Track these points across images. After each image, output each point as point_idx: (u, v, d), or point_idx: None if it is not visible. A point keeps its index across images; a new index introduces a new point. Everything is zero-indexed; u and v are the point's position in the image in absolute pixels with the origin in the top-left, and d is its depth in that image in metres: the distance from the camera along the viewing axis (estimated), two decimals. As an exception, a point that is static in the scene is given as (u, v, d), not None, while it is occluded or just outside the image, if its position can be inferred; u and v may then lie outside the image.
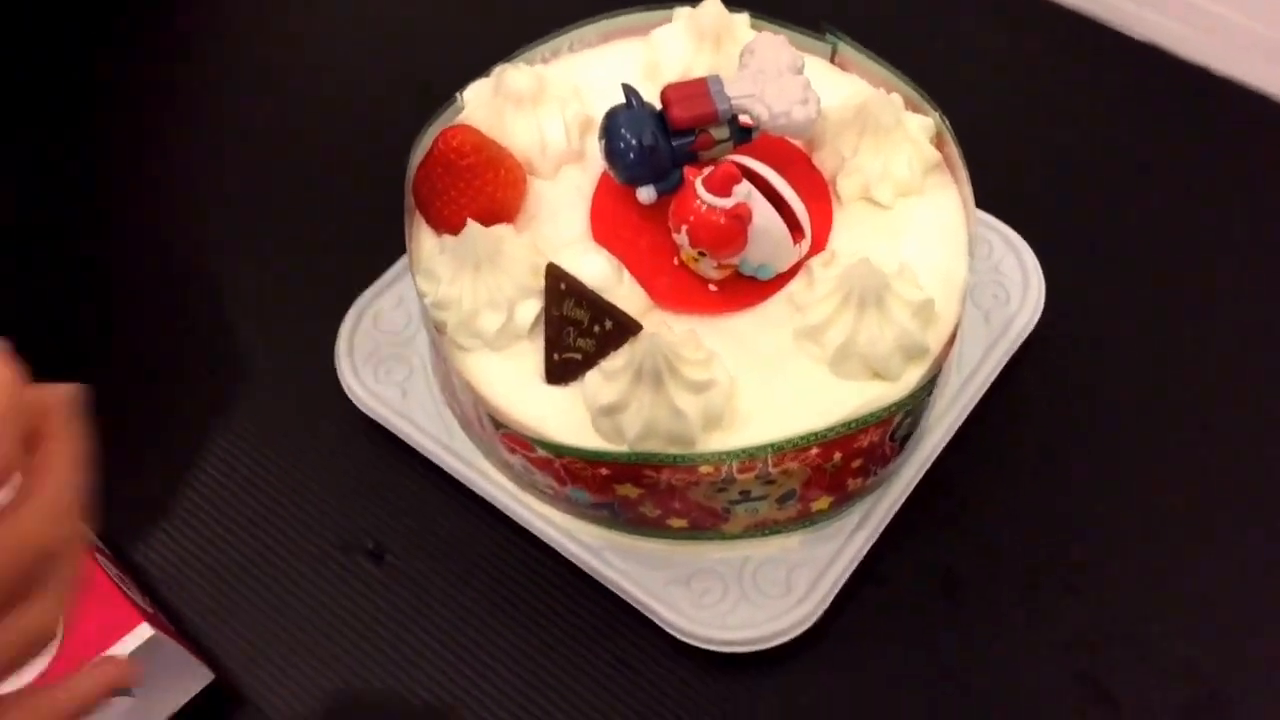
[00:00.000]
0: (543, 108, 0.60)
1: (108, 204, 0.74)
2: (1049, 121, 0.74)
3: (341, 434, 0.63)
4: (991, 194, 0.66)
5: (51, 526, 0.35)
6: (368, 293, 0.65)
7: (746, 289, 0.56)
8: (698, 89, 0.55)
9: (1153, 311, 0.66)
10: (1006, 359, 0.62)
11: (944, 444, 0.59)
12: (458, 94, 0.61)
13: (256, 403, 0.65)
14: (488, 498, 0.59)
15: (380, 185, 0.61)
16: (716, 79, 0.55)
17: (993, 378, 0.61)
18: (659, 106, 0.55)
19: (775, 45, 0.56)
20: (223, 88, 0.80)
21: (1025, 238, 0.66)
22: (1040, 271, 0.65)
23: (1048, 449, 0.61)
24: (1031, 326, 0.63)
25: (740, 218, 0.52)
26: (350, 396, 0.62)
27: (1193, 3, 0.75)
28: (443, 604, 0.58)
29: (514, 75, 0.59)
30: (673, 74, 0.61)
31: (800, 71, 0.56)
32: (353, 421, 0.62)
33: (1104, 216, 0.70)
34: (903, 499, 0.58)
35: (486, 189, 0.56)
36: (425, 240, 0.58)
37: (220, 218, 0.73)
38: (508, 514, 0.59)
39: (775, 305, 0.55)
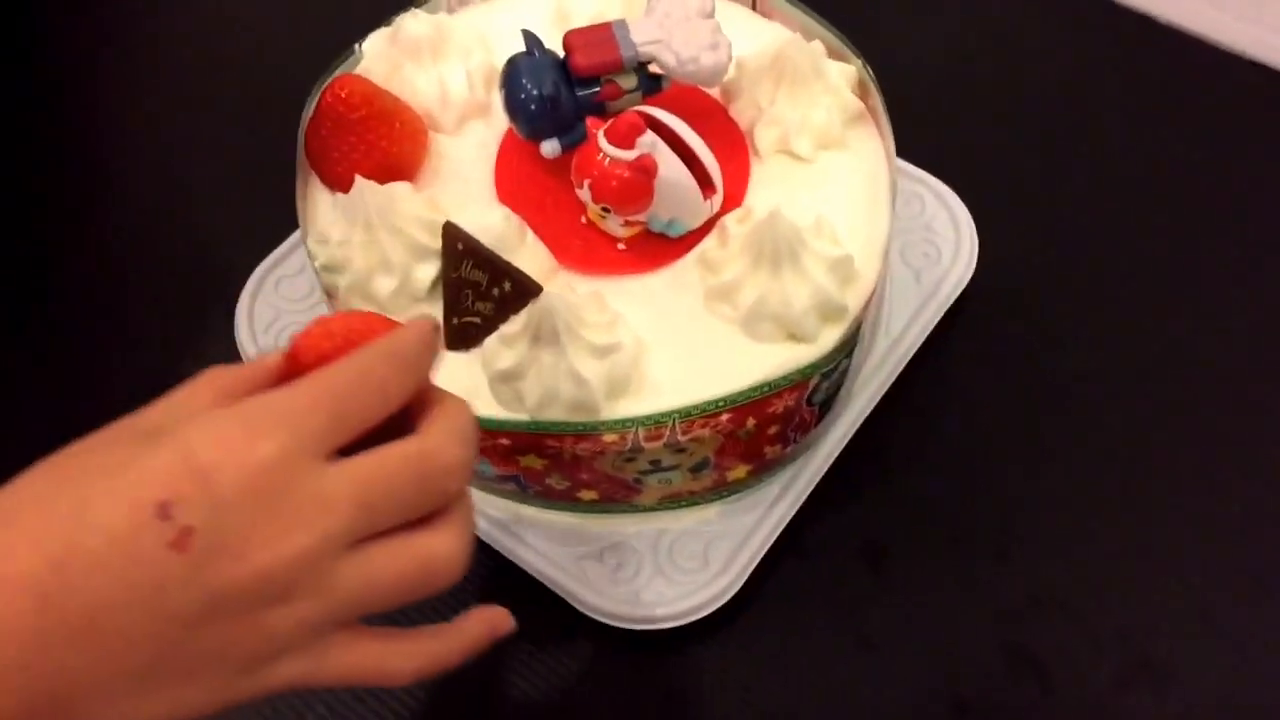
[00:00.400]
0: (444, 58, 0.56)
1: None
2: (988, 72, 0.72)
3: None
4: (926, 148, 0.64)
5: (457, 448, 0.37)
6: (270, 258, 0.62)
7: (656, 248, 0.53)
8: (601, 34, 0.52)
9: (1089, 273, 0.63)
10: (936, 320, 0.60)
11: (870, 409, 0.57)
12: (356, 45, 0.58)
13: (152, 371, 0.62)
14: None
15: (287, 144, 0.57)
16: (622, 24, 0.52)
17: (921, 339, 0.59)
18: (563, 55, 0.52)
19: (683, -6, 0.53)
20: (125, 47, 0.77)
21: (959, 194, 0.63)
22: (973, 228, 0.62)
23: (978, 414, 0.59)
24: (963, 286, 0.61)
25: (645, 170, 0.49)
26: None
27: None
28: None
29: (411, 23, 0.56)
30: (584, 22, 0.58)
31: (710, 15, 0.52)
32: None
33: (1042, 172, 0.67)
34: (826, 467, 0.55)
35: (380, 143, 0.53)
36: (321, 200, 0.55)
37: (121, 181, 0.70)
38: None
39: (686, 265, 0.52)
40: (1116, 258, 0.64)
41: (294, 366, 0.37)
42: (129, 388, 0.39)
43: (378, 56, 0.57)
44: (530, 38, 0.52)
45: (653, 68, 0.53)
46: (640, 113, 0.50)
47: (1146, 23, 0.72)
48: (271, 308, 0.61)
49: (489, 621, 0.40)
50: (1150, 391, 0.59)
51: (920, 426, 0.58)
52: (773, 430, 0.51)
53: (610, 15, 0.57)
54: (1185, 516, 0.55)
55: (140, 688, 0.33)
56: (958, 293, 0.60)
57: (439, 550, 0.36)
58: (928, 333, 0.59)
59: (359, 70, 0.57)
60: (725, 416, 0.49)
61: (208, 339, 0.62)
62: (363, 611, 0.36)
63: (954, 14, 0.74)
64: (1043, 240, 0.64)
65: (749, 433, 0.51)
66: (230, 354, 0.60)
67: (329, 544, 0.34)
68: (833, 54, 0.57)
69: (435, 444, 0.36)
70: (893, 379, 0.58)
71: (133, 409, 0.36)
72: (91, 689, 0.32)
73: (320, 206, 0.54)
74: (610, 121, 0.49)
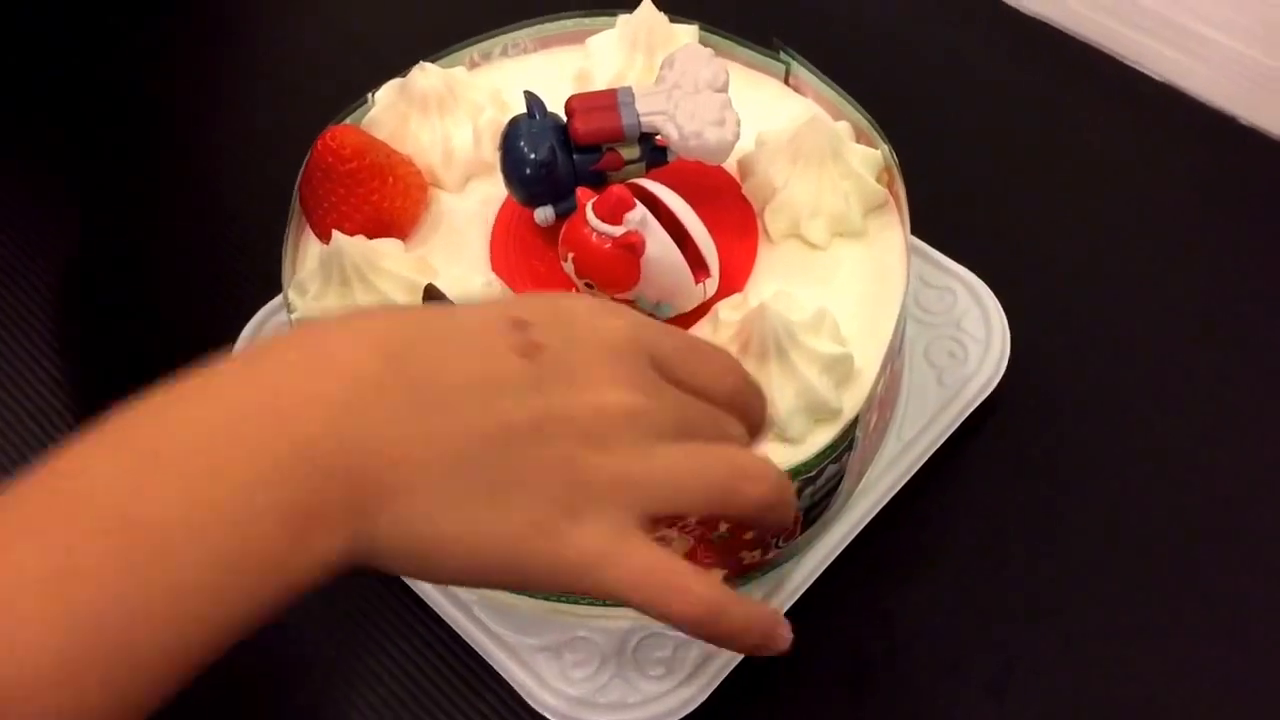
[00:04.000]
0: (453, 114, 0.54)
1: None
2: (1030, 160, 0.67)
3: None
4: (961, 239, 0.59)
5: (760, 392, 0.39)
6: (271, 304, 0.61)
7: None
8: (605, 101, 0.50)
9: (1130, 382, 0.58)
10: (955, 426, 0.55)
11: (870, 518, 0.52)
12: (370, 94, 0.56)
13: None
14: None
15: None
16: (628, 91, 0.50)
17: (936, 446, 0.54)
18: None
19: (698, 58, 0.50)
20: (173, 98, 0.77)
21: (993, 288, 0.58)
22: (1006, 327, 0.57)
23: (992, 532, 0.54)
24: (989, 390, 0.56)
25: (631, 248, 0.46)
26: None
27: (1195, 32, 0.67)
28: (294, 644, 0.53)
29: (420, 76, 0.54)
30: (606, 85, 0.55)
31: (722, 89, 0.49)
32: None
33: (1086, 271, 0.62)
34: (814, 577, 0.51)
35: (371, 198, 0.51)
36: (312, 250, 0.53)
37: (136, 225, 0.70)
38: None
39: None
40: (1163, 367, 0.58)
41: None
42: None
43: (387, 108, 0.55)
44: (532, 99, 0.50)
45: (659, 139, 0.50)
46: (634, 186, 0.47)
47: (1213, 114, 0.67)
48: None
49: (775, 620, 0.36)
50: (1191, 522, 0.54)
51: (925, 540, 0.54)
52: (750, 535, 0.48)
53: (631, 81, 0.55)
54: (1217, 662, 0.50)
55: (447, 482, 0.31)
56: (982, 398, 0.56)
57: (752, 460, 0.36)
58: (944, 439, 0.55)
59: (366, 121, 0.55)
60: (694, 519, 0.45)
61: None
62: (672, 500, 0.34)
63: (993, 98, 0.70)
64: (1082, 341, 0.59)
65: (723, 536, 0.47)
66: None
67: (654, 420, 0.34)
68: (860, 136, 0.53)
69: (750, 398, 0.38)
70: (899, 486, 0.53)
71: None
72: (404, 467, 0.31)
73: (309, 256, 0.53)
74: (599, 193, 0.47)
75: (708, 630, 0.34)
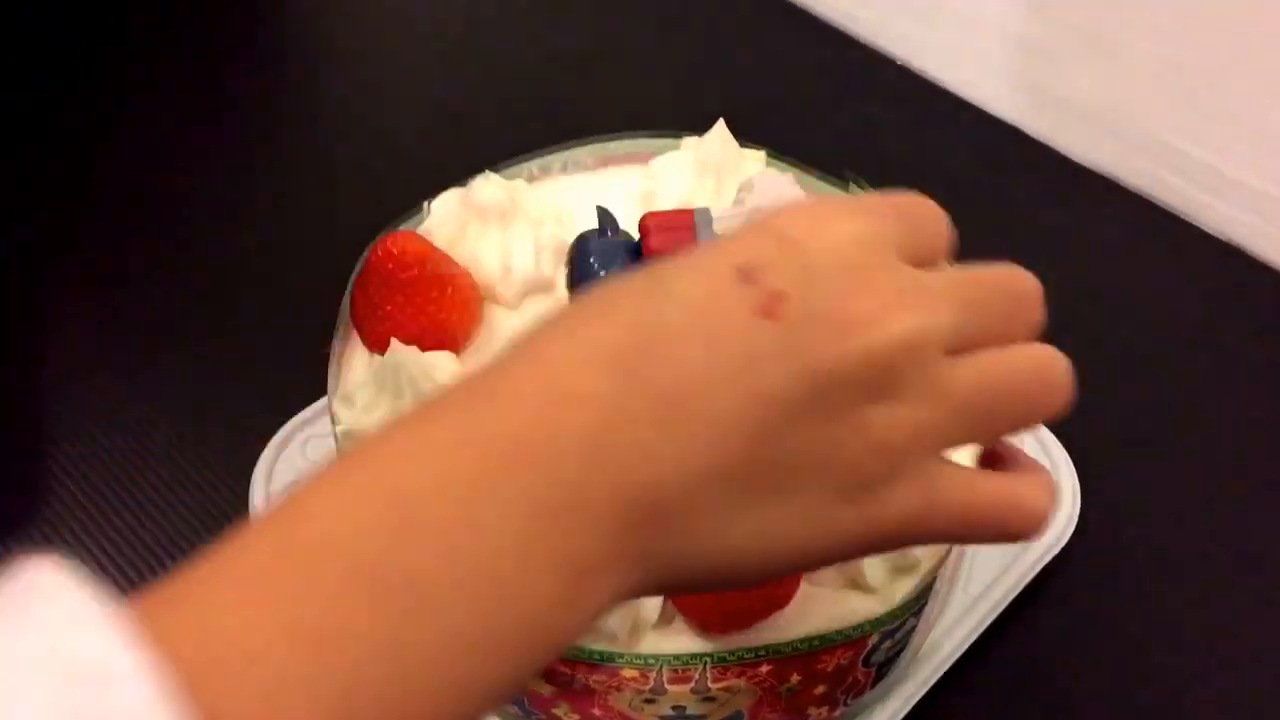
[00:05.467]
0: (513, 227, 0.52)
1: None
2: (1099, 314, 0.66)
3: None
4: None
5: (1034, 280, 0.33)
6: (305, 413, 0.58)
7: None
8: (681, 220, 0.47)
9: (1207, 540, 0.56)
10: (1025, 583, 0.52)
11: (936, 678, 0.49)
12: (426, 202, 0.54)
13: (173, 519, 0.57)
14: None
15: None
16: (705, 212, 0.48)
17: (1005, 604, 0.51)
18: (638, 238, 0.48)
19: (777, 183, 0.49)
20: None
21: (1063, 441, 0.56)
22: (1076, 482, 0.55)
23: (1060, 701, 0.51)
24: (1060, 545, 0.53)
25: (708, 374, 0.43)
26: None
27: (1270, 195, 0.67)
28: None
29: (483, 187, 0.52)
30: (670, 206, 0.54)
31: (804, 215, 0.48)
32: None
33: (1160, 420, 0.60)
34: (879, 738, 0.47)
35: (428, 308, 0.49)
36: (358, 360, 0.50)
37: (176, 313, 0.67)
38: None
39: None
40: (1237, 524, 0.56)
41: None
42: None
43: (445, 217, 0.53)
44: (605, 215, 0.48)
45: (734, 263, 0.48)
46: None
47: (1261, 268, 0.66)
48: (293, 469, 0.56)
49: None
50: (1272, 689, 0.51)
51: (991, 707, 0.50)
52: (820, 690, 0.44)
53: (697, 205, 0.53)
54: None
55: (731, 494, 0.27)
56: (1053, 553, 0.53)
57: (1051, 357, 0.31)
58: (1013, 596, 0.52)
59: (423, 229, 0.53)
60: (765, 668, 0.42)
61: (223, 475, 0.58)
62: (978, 426, 0.30)
63: (1059, 246, 0.69)
64: (1155, 497, 0.57)
65: (792, 689, 0.43)
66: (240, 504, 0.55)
67: (935, 333, 0.29)
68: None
69: (1018, 271, 0.32)
70: (966, 646, 0.50)
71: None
72: (677, 488, 0.27)
73: (355, 367, 0.50)
74: (677, 315, 0.44)
75: (1039, 535, 0.32)
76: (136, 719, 0.20)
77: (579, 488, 0.26)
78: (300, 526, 0.25)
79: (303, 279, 0.64)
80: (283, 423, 0.57)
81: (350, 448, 0.27)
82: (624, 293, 0.29)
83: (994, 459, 0.33)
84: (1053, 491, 0.31)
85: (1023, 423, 0.32)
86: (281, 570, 0.24)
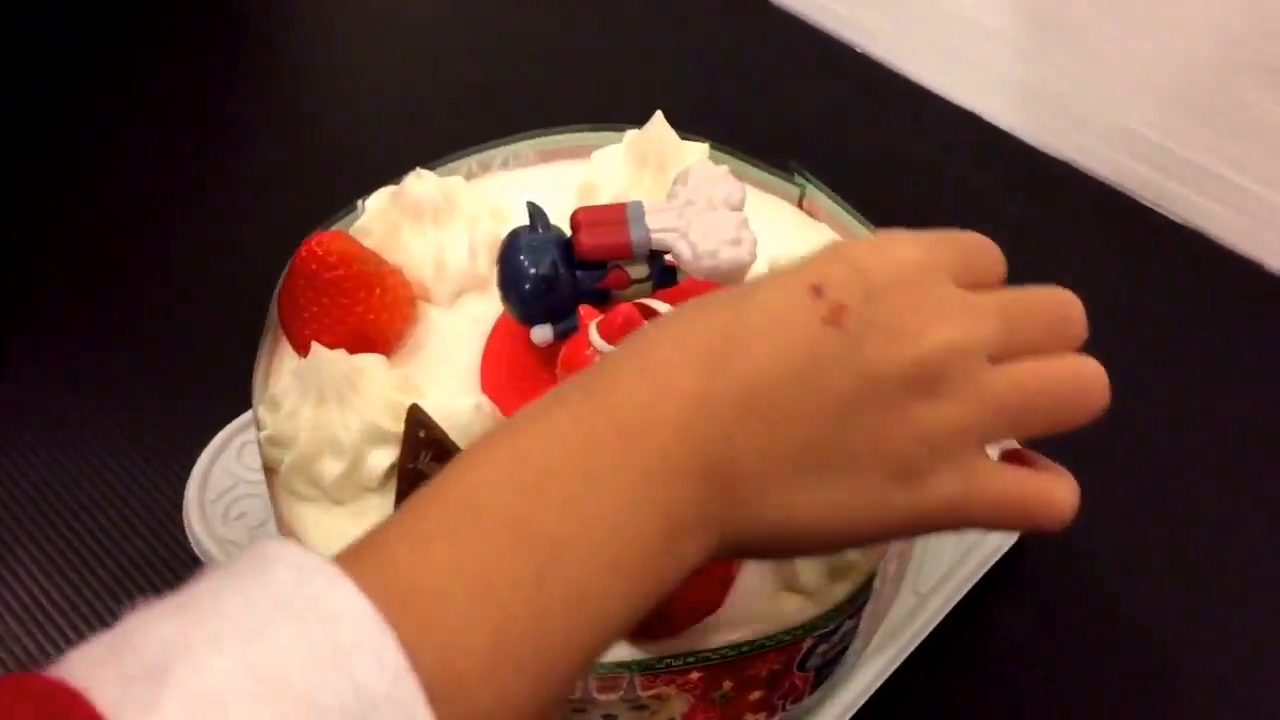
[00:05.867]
0: (448, 225, 0.51)
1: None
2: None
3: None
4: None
5: (1078, 303, 0.37)
6: (244, 418, 0.56)
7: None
8: (613, 215, 0.46)
9: (1163, 533, 0.54)
10: (976, 578, 0.51)
11: (883, 679, 0.48)
12: (359, 200, 0.53)
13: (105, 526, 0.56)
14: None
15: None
16: (637, 205, 0.46)
17: (956, 600, 0.50)
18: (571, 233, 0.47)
19: (713, 175, 0.47)
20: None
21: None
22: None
23: (1014, 697, 0.49)
24: (1013, 538, 0.52)
25: (636, 373, 0.42)
26: (189, 535, 0.53)
27: (1236, 183, 0.65)
28: None
29: (414, 183, 0.51)
30: (610, 200, 0.52)
31: (739, 207, 0.46)
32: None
33: (1113, 416, 0.59)
34: (823, 743, 0.46)
35: (356, 309, 0.47)
36: (287, 363, 0.49)
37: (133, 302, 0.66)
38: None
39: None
40: (1194, 516, 0.55)
41: None
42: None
43: (377, 215, 0.52)
44: (534, 210, 0.47)
45: (669, 258, 0.47)
46: (641, 306, 0.44)
47: (1226, 255, 0.65)
48: (229, 474, 0.55)
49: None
50: (1225, 683, 0.49)
51: (942, 705, 0.49)
52: (755, 695, 0.43)
53: (637, 196, 0.52)
54: None
55: (797, 474, 0.32)
56: (1006, 546, 0.52)
57: (1088, 367, 0.35)
58: (964, 592, 0.51)
59: (355, 228, 0.52)
60: (696, 675, 0.41)
61: (160, 481, 0.57)
62: (1014, 425, 0.34)
63: (1012, 236, 0.67)
64: (1111, 490, 0.55)
65: (726, 695, 0.42)
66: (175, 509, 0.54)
67: (978, 343, 0.34)
68: (880, 265, 0.50)
69: (1063, 293, 0.37)
70: (915, 644, 0.49)
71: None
72: (752, 465, 0.32)
73: (284, 371, 0.49)
74: (605, 313, 0.43)
75: (1064, 527, 0.34)
76: (360, 649, 0.25)
77: (674, 461, 0.31)
78: (461, 493, 0.31)
79: (243, 281, 0.62)
80: (220, 428, 0.56)
81: (494, 425, 0.34)
82: (717, 301, 0.34)
83: (1018, 459, 0.36)
84: (1075, 489, 0.35)
85: (1057, 424, 0.35)
86: (450, 529, 0.30)
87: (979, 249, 0.37)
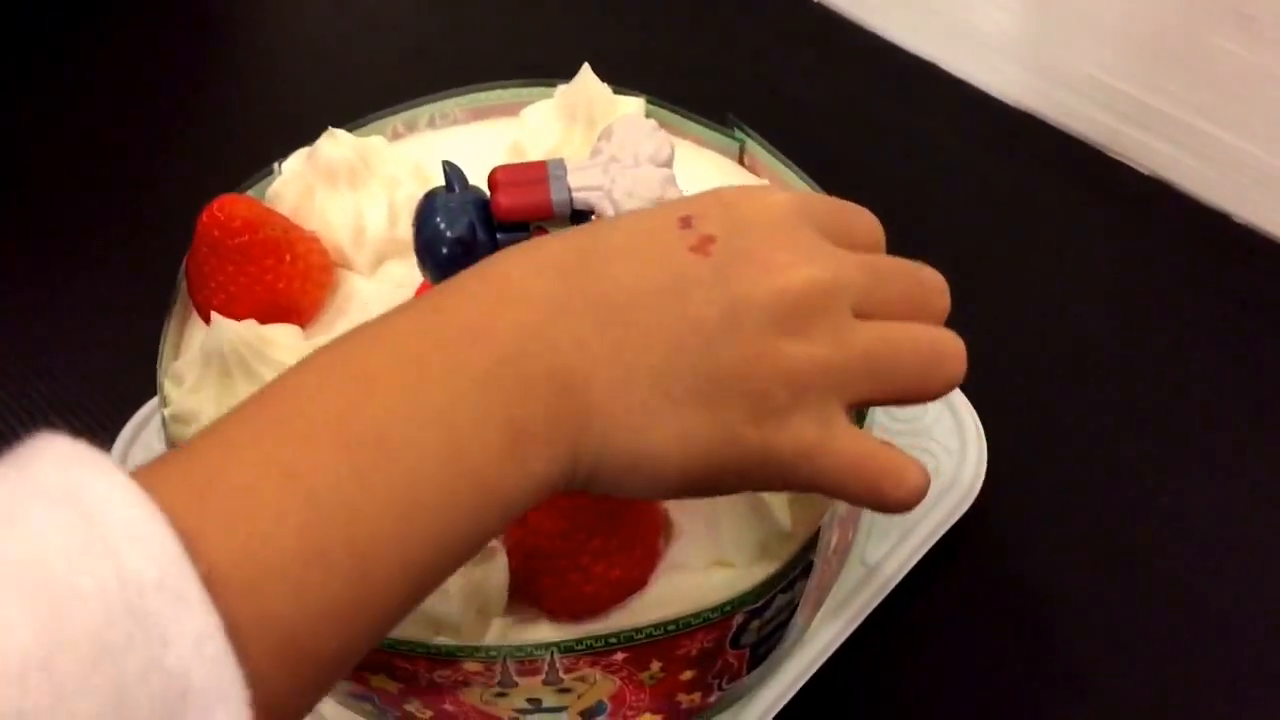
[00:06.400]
0: (365, 187, 0.49)
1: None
2: (1009, 259, 0.62)
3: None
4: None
5: (940, 278, 0.36)
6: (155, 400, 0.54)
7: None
8: (534, 174, 0.44)
9: (1119, 496, 0.52)
10: (926, 549, 0.49)
11: (828, 655, 0.46)
12: (276, 163, 0.51)
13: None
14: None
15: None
16: (560, 163, 0.44)
17: (904, 572, 0.48)
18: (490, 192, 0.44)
19: (638, 129, 0.44)
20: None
21: (968, 395, 0.53)
22: (983, 439, 0.51)
23: (963, 671, 0.47)
24: (964, 509, 0.50)
25: (554, 339, 0.40)
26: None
27: (1201, 130, 0.62)
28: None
29: (328, 145, 0.48)
30: (540, 157, 0.50)
31: (666, 164, 0.44)
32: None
33: (1067, 375, 0.57)
34: (765, 721, 0.44)
35: (265, 277, 0.45)
36: (195, 336, 0.47)
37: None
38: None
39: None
40: (1152, 478, 0.52)
41: None
42: None
43: (292, 179, 0.49)
44: (451, 170, 0.44)
45: (593, 218, 0.44)
46: (561, 269, 0.41)
47: (1190, 205, 0.62)
48: (150, 452, 0.52)
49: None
50: (1188, 651, 0.47)
51: (891, 679, 0.47)
52: (687, 675, 0.41)
53: (567, 154, 0.49)
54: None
55: (654, 395, 0.31)
56: (955, 517, 0.50)
57: (948, 339, 0.35)
58: (914, 562, 0.48)
59: (269, 193, 0.49)
60: (621, 656, 0.39)
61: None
62: (874, 380, 0.33)
63: (967, 189, 0.65)
64: (1065, 452, 0.54)
65: (655, 676, 0.40)
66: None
67: (845, 285, 0.33)
68: (821, 221, 0.48)
69: (931, 269, 0.36)
70: (862, 618, 0.47)
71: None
72: (606, 379, 0.31)
73: (192, 344, 0.46)
74: (520, 276, 0.41)
75: (907, 510, 0.34)
76: (127, 537, 0.23)
77: (520, 366, 0.30)
78: (278, 402, 0.29)
79: (165, 252, 0.60)
80: (141, 404, 0.54)
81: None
82: (576, 229, 0.34)
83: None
84: (927, 477, 0.34)
85: (916, 386, 0.34)
86: (261, 429, 0.28)
87: (857, 213, 0.37)
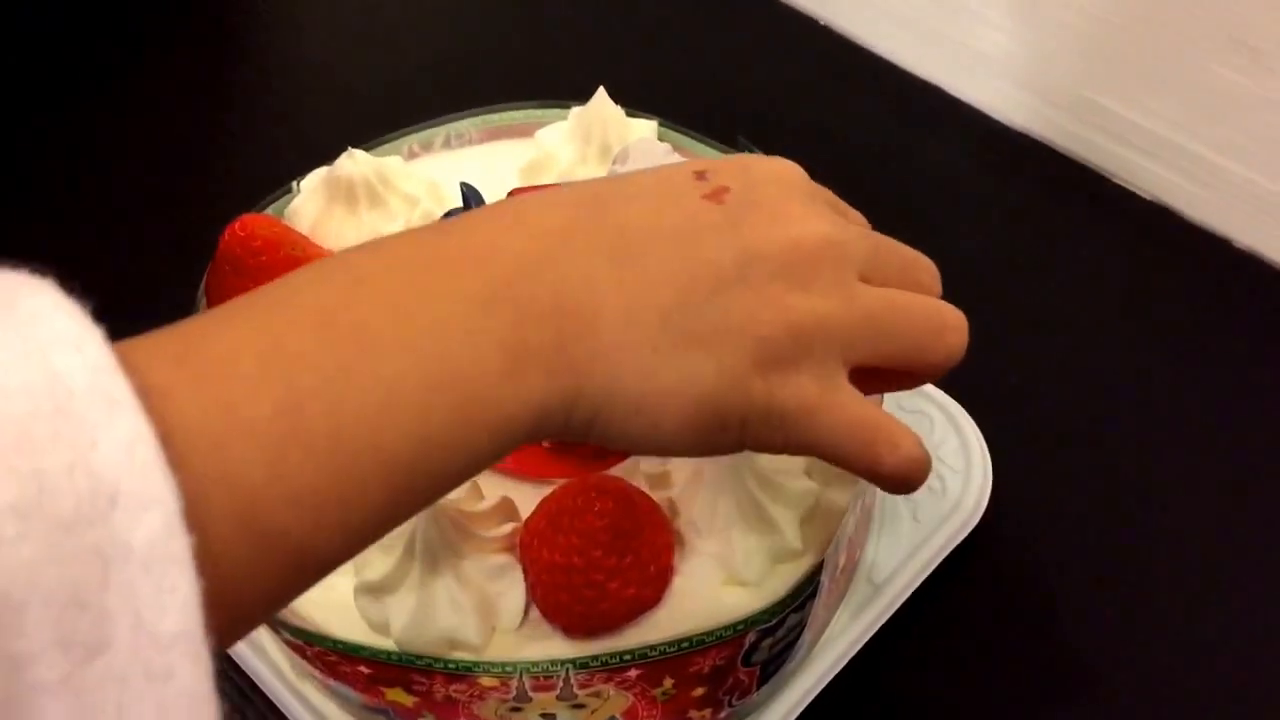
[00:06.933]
0: (382, 206, 0.49)
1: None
2: (1015, 282, 0.63)
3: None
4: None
5: (932, 267, 0.37)
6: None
7: (590, 449, 0.44)
8: (550, 196, 0.45)
9: (1125, 519, 0.53)
10: (932, 568, 0.49)
11: (835, 672, 0.46)
12: (295, 181, 0.51)
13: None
14: (255, 677, 0.47)
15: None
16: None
17: (910, 591, 0.49)
18: (507, 214, 0.45)
19: (653, 153, 0.45)
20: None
21: (974, 416, 0.53)
22: (988, 460, 0.52)
23: (970, 695, 0.48)
24: (970, 528, 0.51)
25: (571, 359, 0.41)
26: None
27: (1202, 157, 0.63)
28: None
29: (346, 164, 0.49)
30: (558, 179, 0.51)
31: (680, 186, 0.45)
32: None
33: (1073, 397, 0.57)
34: (772, 740, 0.45)
35: (284, 296, 0.46)
36: (216, 351, 0.47)
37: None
38: (276, 703, 0.47)
39: (622, 473, 0.43)
40: (1158, 501, 0.53)
41: None
42: None
43: (310, 197, 0.50)
44: (468, 191, 0.45)
45: (609, 240, 0.45)
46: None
47: (1192, 230, 0.63)
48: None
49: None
50: (1193, 680, 0.48)
51: (898, 697, 0.48)
52: (699, 692, 0.41)
53: (582, 176, 0.50)
54: None
55: (663, 335, 0.31)
56: (961, 537, 0.50)
57: (950, 311, 0.35)
58: (920, 582, 0.49)
59: (288, 211, 0.50)
60: (634, 672, 0.39)
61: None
62: (877, 340, 0.33)
63: (973, 212, 0.66)
64: (1072, 474, 0.54)
65: (668, 693, 0.41)
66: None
67: (853, 245, 0.34)
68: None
69: (919, 253, 0.37)
70: (868, 636, 0.47)
71: None
72: (616, 315, 0.30)
73: (213, 359, 0.47)
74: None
75: (903, 486, 0.34)
76: (57, 343, 0.22)
77: (523, 290, 0.30)
78: (270, 293, 0.29)
79: (193, 267, 0.61)
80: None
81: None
82: (590, 179, 0.35)
83: None
84: (922, 447, 0.33)
85: (917, 353, 0.34)
86: (250, 314, 0.28)
87: (853, 211, 0.38)
